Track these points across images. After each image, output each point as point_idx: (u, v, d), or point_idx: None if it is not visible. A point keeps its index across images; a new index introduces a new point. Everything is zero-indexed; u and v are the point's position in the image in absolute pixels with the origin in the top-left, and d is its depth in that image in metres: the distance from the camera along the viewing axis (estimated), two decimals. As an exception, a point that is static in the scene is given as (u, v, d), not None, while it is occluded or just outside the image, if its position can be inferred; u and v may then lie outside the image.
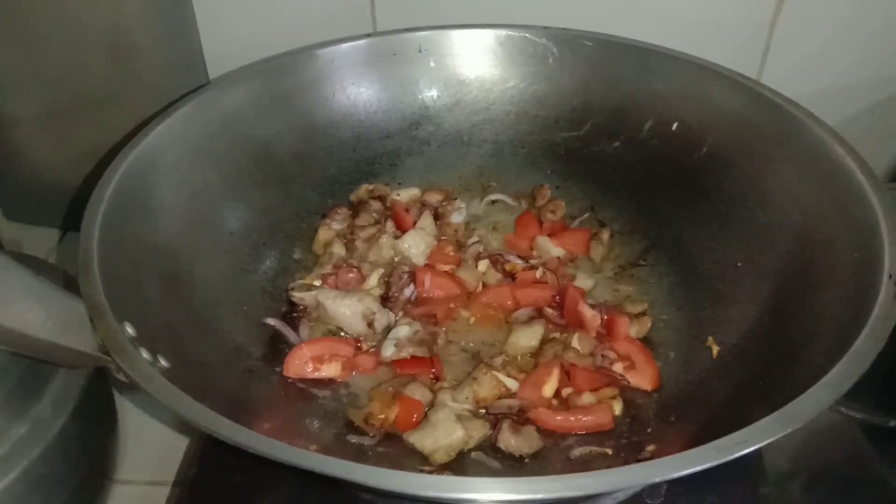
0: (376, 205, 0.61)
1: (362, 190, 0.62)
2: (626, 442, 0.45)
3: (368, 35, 0.62)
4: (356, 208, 0.61)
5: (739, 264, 0.52)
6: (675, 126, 0.59)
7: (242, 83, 0.58)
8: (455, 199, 0.64)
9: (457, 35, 0.62)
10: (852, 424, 0.48)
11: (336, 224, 0.59)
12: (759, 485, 0.46)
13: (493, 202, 0.64)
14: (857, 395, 0.36)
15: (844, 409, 0.48)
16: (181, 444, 0.56)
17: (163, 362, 0.41)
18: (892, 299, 0.38)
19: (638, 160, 0.61)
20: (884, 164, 0.71)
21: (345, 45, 0.61)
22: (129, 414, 0.58)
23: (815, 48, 0.64)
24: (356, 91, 0.62)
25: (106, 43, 0.66)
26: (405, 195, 0.62)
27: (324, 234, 0.59)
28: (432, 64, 0.63)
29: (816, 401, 0.35)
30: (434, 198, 0.62)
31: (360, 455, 0.45)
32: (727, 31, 0.64)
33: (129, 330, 0.41)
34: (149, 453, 0.56)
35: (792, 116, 0.51)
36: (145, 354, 0.40)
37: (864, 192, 0.45)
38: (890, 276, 0.39)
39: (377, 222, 0.59)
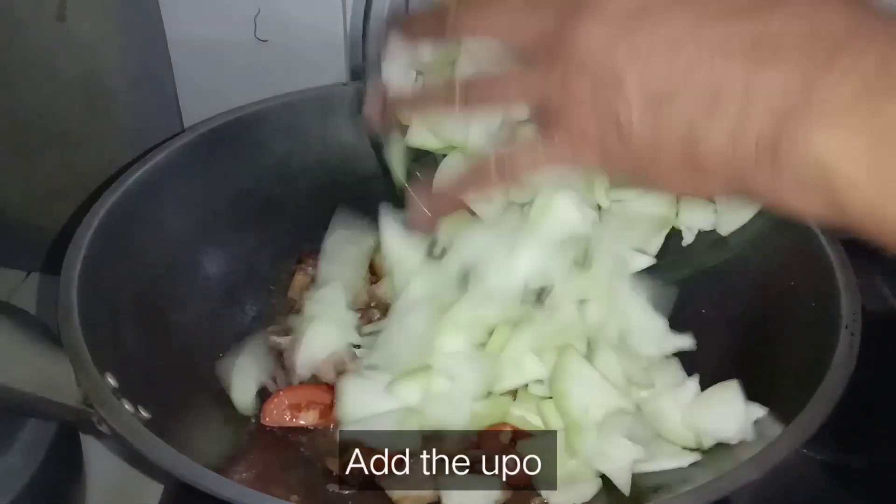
0: (352, 250, 0.62)
1: (338, 236, 0.63)
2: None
3: (344, 84, 0.64)
4: (332, 254, 0.61)
5: (704, 311, 0.54)
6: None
7: (219, 130, 0.59)
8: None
9: (430, 84, 0.64)
10: (814, 465, 0.50)
11: (312, 269, 0.59)
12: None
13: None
14: (818, 436, 0.38)
15: (806, 450, 0.50)
16: (151, 488, 0.56)
17: (143, 413, 0.41)
18: (849, 349, 0.41)
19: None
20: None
21: (321, 93, 0.62)
22: (96, 456, 0.57)
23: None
24: (332, 137, 0.63)
25: (79, 86, 0.66)
26: (380, 240, 0.63)
27: (300, 280, 0.59)
28: (407, 112, 0.65)
29: (785, 445, 0.37)
30: (409, 243, 0.63)
31: (339, 504, 0.45)
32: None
33: (111, 381, 0.41)
34: (117, 498, 0.55)
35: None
36: (127, 406, 0.40)
37: (820, 244, 0.48)
38: (847, 327, 0.42)
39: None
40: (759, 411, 0.42)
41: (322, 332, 0.52)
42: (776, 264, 0.50)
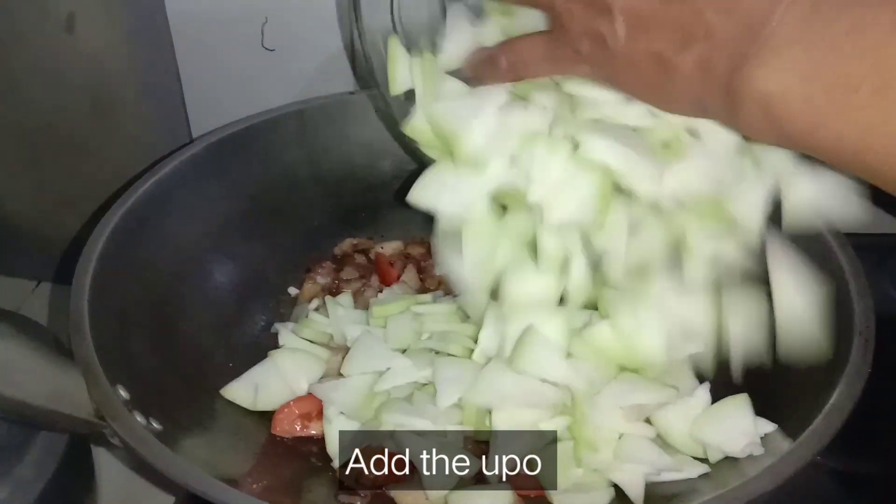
0: (360, 258, 0.62)
1: (346, 244, 0.63)
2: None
3: (351, 93, 0.64)
4: (341, 262, 0.62)
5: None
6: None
7: (227, 140, 0.59)
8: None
9: (437, 92, 0.64)
10: (822, 472, 0.50)
11: (321, 278, 0.60)
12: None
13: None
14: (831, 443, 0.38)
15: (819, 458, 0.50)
16: (162, 499, 0.56)
17: (155, 425, 0.42)
18: (862, 356, 0.41)
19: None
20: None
21: (328, 102, 0.62)
22: (108, 467, 0.57)
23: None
24: (339, 146, 0.63)
25: (87, 95, 0.66)
26: (388, 248, 0.63)
27: (309, 289, 0.59)
28: (413, 119, 0.65)
29: (798, 456, 0.36)
30: (417, 250, 0.63)
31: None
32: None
33: (123, 393, 0.41)
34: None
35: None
36: (139, 418, 0.40)
37: (830, 248, 0.47)
38: (860, 334, 0.42)
39: (362, 276, 0.60)
40: (767, 426, 0.42)
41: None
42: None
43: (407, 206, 0.65)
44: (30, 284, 0.75)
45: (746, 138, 0.41)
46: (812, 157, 0.35)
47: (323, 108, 0.62)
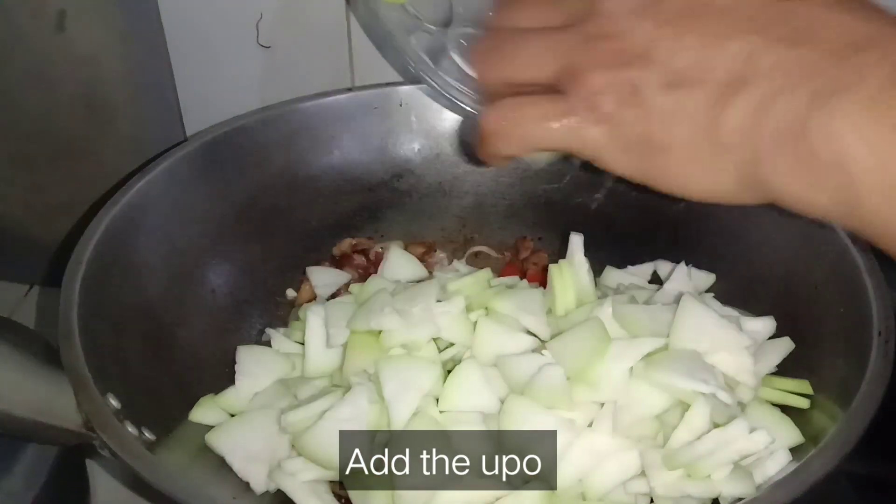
0: (360, 259, 0.60)
1: (345, 244, 0.61)
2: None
3: (349, 90, 0.62)
4: (340, 262, 0.60)
5: (727, 319, 0.52)
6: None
7: (221, 139, 0.57)
8: (436, 250, 0.63)
9: (437, 89, 0.63)
10: (843, 478, 0.48)
11: (319, 280, 0.58)
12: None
13: (476, 254, 0.64)
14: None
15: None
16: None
17: (147, 435, 0.40)
18: (883, 357, 0.39)
19: (619, 211, 0.61)
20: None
21: (325, 100, 0.61)
22: (102, 480, 0.55)
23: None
24: (337, 145, 0.62)
25: (81, 96, 0.65)
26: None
27: (307, 291, 0.58)
28: (413, 118, 0.63)
29: (821, 463, 0.35)
30: (417, 250, 0.62)
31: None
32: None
33: (113, 402, 0.39)
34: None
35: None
36: (130, 428, 0.39)
37: (847, 248, 0.46)
38: (880, 334, 0.40)
39: (362, 277, 0.59)
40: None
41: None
42: (801, 271, 0.48)
43: (406, 206, 0.65)
44: (23, 289, 0.74)
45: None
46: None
47: (320, 105, 0.61)
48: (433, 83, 0.55)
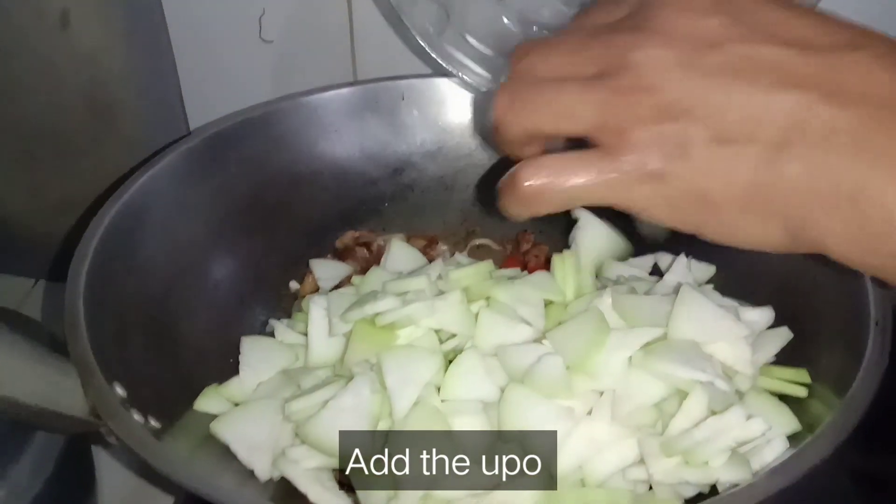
0: (362, 251, 0.61)
1: (348, 237, 0.62)
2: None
3: (351, 83, 0.63)
4: (342, 255, 0.61)
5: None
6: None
7: (224, 133, 0.58)
8: (438, 243, 0.64)
9: (439, 83, 0.63)
10: (839, 473, 0.48)
11: (322, 272, 0.59)
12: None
13: (478, 247, 0.64)
14: (844, 441, 0.37)
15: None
16: (163, 500, 0.55)
17: (153, 423, 0.41)
18: (880, 346, 0.39)
19: (619, 205, 0.62)
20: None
21: (327, 94, 0.61)
22: (108, 469, 0.56)
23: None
24: (339, 138, 0.62)
25: (83, 94, 0.65)
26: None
27: (310, 283, 0.58)
28: (415, 112, 0.64)
29: (817, 450, 0.35)
30: (419, 244, 0.62)
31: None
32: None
33: (119, 391, 0.40)
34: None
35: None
36: (136, 416, 0.39)
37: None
38: (877, 324, 0.40)
39: (364, 269, 0.59)
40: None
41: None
42: (799, 262, 0.49)
43: (408, 200, 0.65)
44: (29, 282, 0.75)
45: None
46: None
47: (323, 100, 0.61)
48: (438, 57, 0.56)
